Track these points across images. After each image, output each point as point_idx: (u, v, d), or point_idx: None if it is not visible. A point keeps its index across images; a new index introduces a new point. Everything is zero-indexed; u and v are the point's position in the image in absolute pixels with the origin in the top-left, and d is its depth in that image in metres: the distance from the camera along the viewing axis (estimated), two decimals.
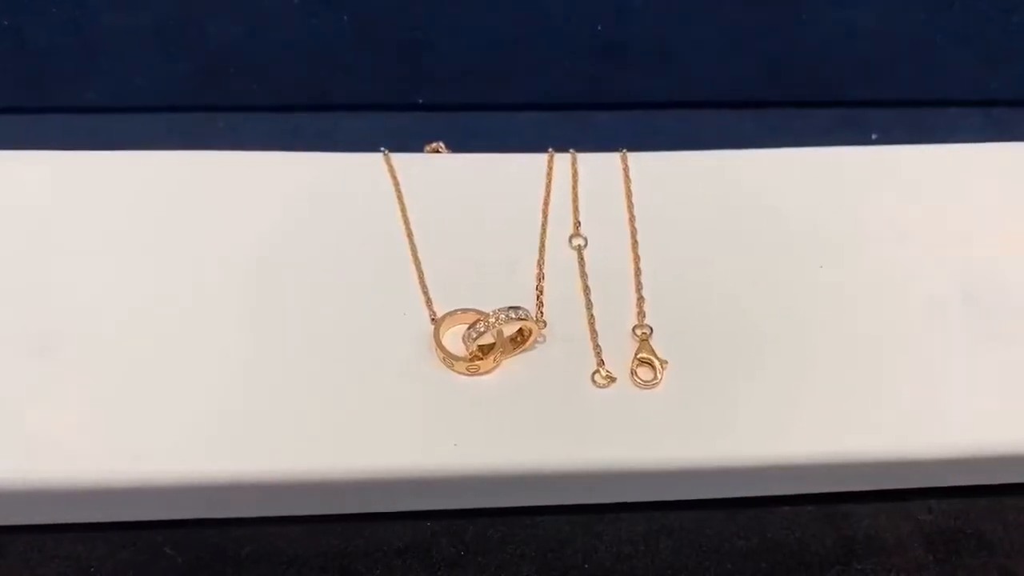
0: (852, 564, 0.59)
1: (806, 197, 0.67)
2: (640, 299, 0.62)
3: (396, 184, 0.67)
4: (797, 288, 0.62)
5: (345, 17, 0.74)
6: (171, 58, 0.75)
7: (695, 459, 0.56)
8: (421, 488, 0.56)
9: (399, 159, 0.69)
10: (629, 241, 0.65)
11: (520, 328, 0.60)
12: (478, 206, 0.67)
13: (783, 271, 0.63)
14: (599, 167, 0.69)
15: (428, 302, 0.62)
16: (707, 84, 0.79)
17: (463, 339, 0.59)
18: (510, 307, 0.59)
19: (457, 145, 0.71)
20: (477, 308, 0.60)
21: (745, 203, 0.67)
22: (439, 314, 0.61)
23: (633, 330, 0.61)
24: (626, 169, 0.69)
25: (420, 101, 0.79)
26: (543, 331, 0.60)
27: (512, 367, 0.59)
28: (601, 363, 0.59)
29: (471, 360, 0.59)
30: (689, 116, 0.78)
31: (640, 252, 0.64)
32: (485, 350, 0.59)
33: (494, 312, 0.59)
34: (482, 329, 0.59)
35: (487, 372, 0.59)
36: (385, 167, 0.68)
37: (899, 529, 0.61)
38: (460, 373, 0.59)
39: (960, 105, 0.79)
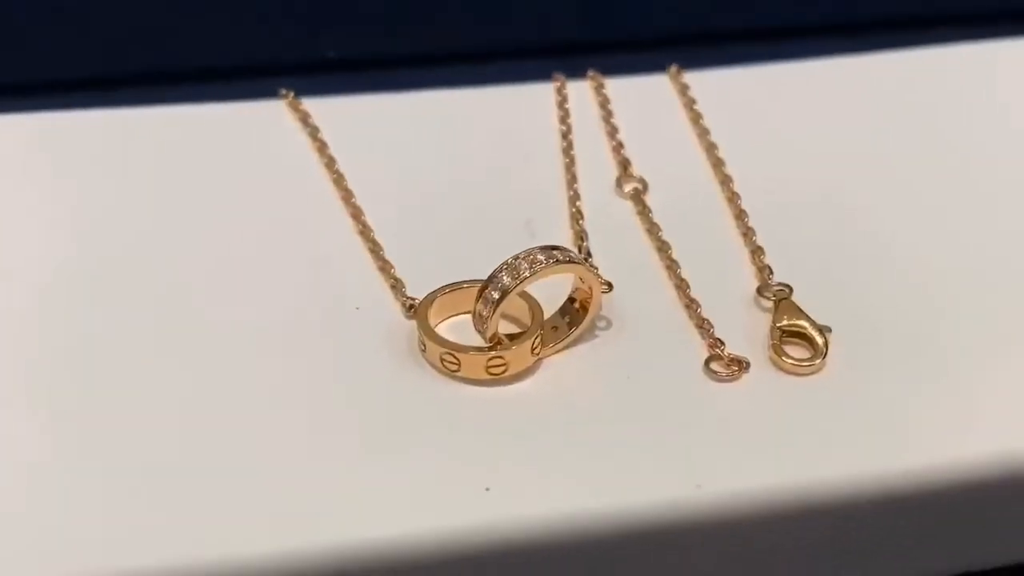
0: None
1: (957, 102, 0.64)
2: (757, 251, 0.53)
3: (315, 135, 0.60)
4: (975, 221, 0.56)
5: None
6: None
7: (916, 480, 0.45)
8: (443, 568, 0.44)
9: (314, 104, 0.61)
10: (714, 179, 0.58)
11: (570, 299, 0.49)
12: (453, 157, 0.60)
13: (950, 201, 0.58)
14: (642, 92, 0.64)
15: (397, 286, 0.51)
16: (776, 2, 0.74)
17: (475, 314, 0.47)
18: (547, 247, 0.47)
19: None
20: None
21: (852, 119, 0.63)
22: (419, 299, 0.50)
23: (759, 292, 0.51)
24: (685, 90, 0.63)
25: (331, 55, 0.71)
26: (604, 304, 0.50)
27: (561, 365, 0.49)
28: (716, 343, 0.48)
29: (491, 351, 0.47)
30: (754, 53, 0.68)
31: (739, 191, 0.56)
32: (512, 340, 0.48)
33: (525, 255, 0.47)
34: (507, 284, 0.46)
35: (520, 372, 0.48)
36: (292, 115, 0.61)
37: None
38: (474, 380, 0.47)
39: None
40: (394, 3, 0.70)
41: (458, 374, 0.47)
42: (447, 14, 0.71)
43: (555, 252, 0.46)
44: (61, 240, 0.54)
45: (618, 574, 0.45)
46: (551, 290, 0.48)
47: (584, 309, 0.48)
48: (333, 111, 0.61)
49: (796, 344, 0.48)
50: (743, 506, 0.43)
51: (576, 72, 0.63)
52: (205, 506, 0.43)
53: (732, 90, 0.64)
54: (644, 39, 0.72)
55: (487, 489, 0.43)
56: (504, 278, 0.46)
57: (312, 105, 0.61)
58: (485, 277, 0.47)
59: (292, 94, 0.61)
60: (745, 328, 0.49)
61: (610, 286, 0.49)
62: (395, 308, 0.50)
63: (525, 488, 0.44)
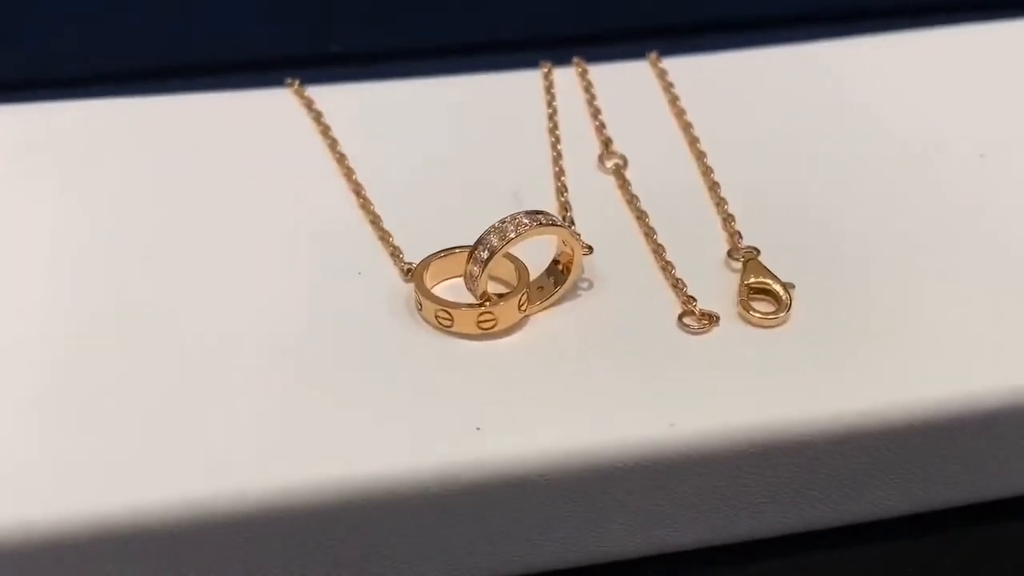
0: None
1: (907, 88, 0.65)
2: (728, 217, 0.55)
3: (319, 119, 0.61)
4: (919, 191, 0.58)
5: None
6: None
7: (875, 419, 0.47)
8: (439, 501, 0.45)
9: (319, 92, 0.63)
10: (690, 153, 0.60)
11: (555, 260, 0.51)
12: (448, 138, 0.61)
13: (895, 174, 0.59)
14: (622, 78, 0.65)
15: (396, 253, 0.53)
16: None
17: (465, 278, 0.49)
18: (532, 211, 0.49)
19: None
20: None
21: (818, 100, 0.64)
22: (415, 264, 0.52)
23: (729, 255, 0.53)
24: (663, 75, 0.65)
25: (336, 49, 0.74)
26: (585, 268, 0.52)
27: (546, 321, 0.51)
28: (689, 300, 0.50)
29: (481, 306, 0.49)
30: (733, 42, 0.69)
31: (712, 163, 0.58)
32: (501, 298, 0.50)
33: (511, 219, 0.49)
34: (495, 244, 0.48)
35: (509, 329, 0.50)
36: (298, 102, 0.62)
37: None
38: (466, 334, 0.49)
39: None
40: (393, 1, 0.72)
41: (452, 329, 0.49)
42: (445, 11, 0.73)
43: (539, 216, 0.49)
44: (77, 218, 0.56)
45: (599, 506, 0.47)
46: (538, 255, 0.50)
47: (567, 270, 0.50)
48: (336, 97, 0.62)
49: (762, 300, 0.50)
50: (712, 443, 0.46)
51: (564, 61, 0.65)
52: (218, 441, 0.45)
53: (707, 75, 0.65)
54: (629, 30, 0.73)
55: (478, 429, 0.45)
56: (492, 239, 0.48)
57: (316, 92, 0.62)
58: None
59: (297, 82, 0.62)
60: (717, 287, 0.51)
61: (591, 249, 0.51)
62: (394, 273, 0.52)
63: (512, 428, 0.46)
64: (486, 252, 0.48)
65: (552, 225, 0.49)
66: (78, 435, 0.45)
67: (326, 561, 0.46)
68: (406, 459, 0.45)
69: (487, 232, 0.49)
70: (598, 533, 0.47)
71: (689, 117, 0.61)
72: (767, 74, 0.65)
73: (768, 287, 0.51)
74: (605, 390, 0.47)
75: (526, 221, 0.48)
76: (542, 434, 0.45)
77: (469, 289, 0.49)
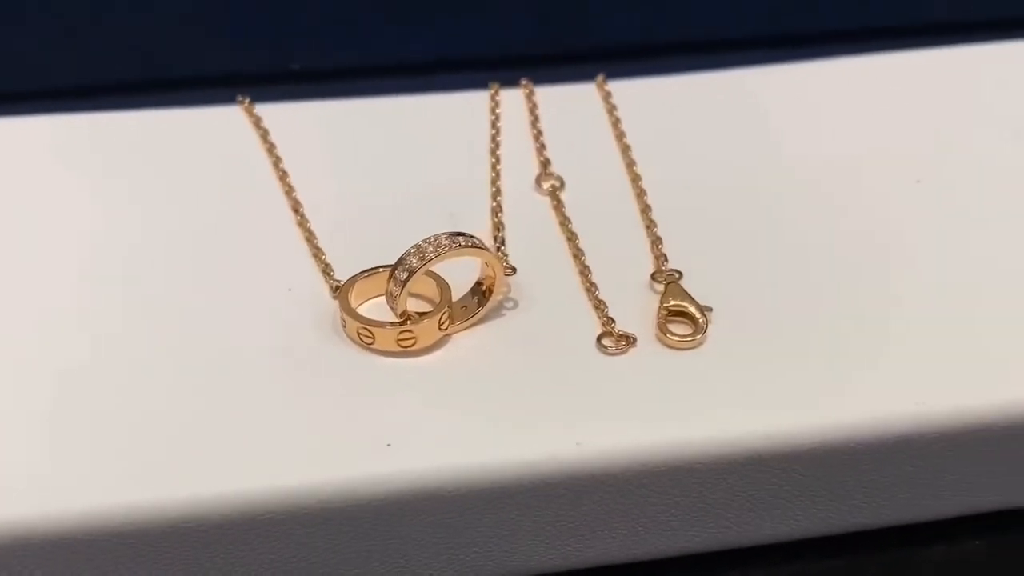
0: None
1: (833, 113, 0.66)
2: (656, 240, 0.56)
3: (265, 136, 0.62)
4: (847, 216, 0.59)
5: None
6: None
7: (779, 440, 0.47)
8: (345, 518, 0.46)
9: (266, 110, 0.64)
10: (626, 177, 0.60)
11: (478, 282, 0.52)
12: (390, 156, 0.62)
13: (823, 200, 0.60)
14: (568, 99, 0.66)
15: (326, 271, 0.54)
16: (702, 20, 0.78)
17: (387, 293, 0.50)
18: (453, 233, 0.50)
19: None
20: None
21: (758, 126, 0.65)
22: (342, 282, 0.53)
23: (653, 277, 0.54)
24: (608, 97, 0.66)
25: (296, 67, 0.74)
26: (511, 287, 0.53)
27: (468, 339, 0.51)
28: (609, 321, 0.51)
29: (402, 325, 0.50)
30: (681, 64, 0.70)
31: (645, 186, 0.59)
32: (423, 316, 0.50)
33: (431, 240, 0.50)
34: (414, 265, 0.49)
35: (430, 347, 0.51)
36: (247, 119, 0.64)
37: None
38: (387, 352, 0.50)
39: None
40: (350, 19, 0.73)
41: (373, 347, 0.49)
42: (403, 28, 0.74)
43: (459, 238, 0.49)
44: (45, 226, 0.57)
45: (507, 521, 0.47)
46: (464, 274, 0.51)
47: (490, 291, 0.51)
48: (284, 115, 0.64)
49: (680, 322, 0.51)
50: (617, 462, 0.46)
51: (517, 82, 0.66)
52: (136, 453, 0.46)
53: (651, 98, 0.66)
54: (584, 52, 0.74)
55: (388, 445, 0.46)
56: (412, 260, 0.49)
57: (265, 110, 0.63)
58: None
59: (248, 100, 0.63)
60: (638, 309, 0.52)
61: (514, 270, 0.52)
62: (325, 290, 0.53)
63: (423, 444, 0.46)
64: (405, 273, 0.49)
65: (472, 247, 0.49)
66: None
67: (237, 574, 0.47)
68: (314, 473, 0.45)
69: (407, 252, 0.49)
70: (509, 548, 0.48)
71: (628, 140, 0.62)
72: (709, 99, 0.66)
73: (685, 310, 0.51)
74: (518, 409, 0.48)
75: (446, 242, 0.49)
76: (450, 451, 0.46)
77: (390, 307, 0.50)
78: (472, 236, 0.50)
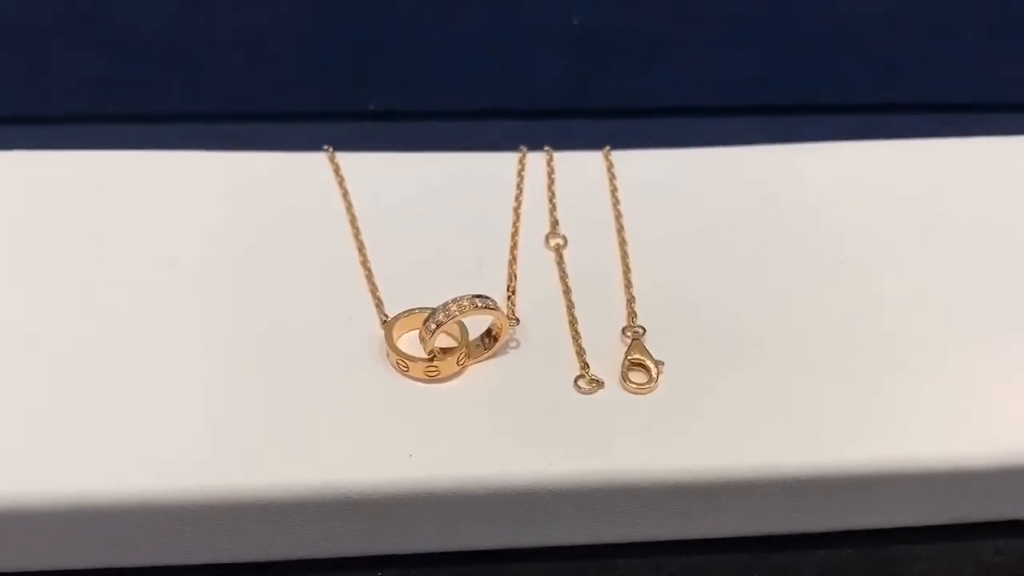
0: None
1: (804, 194, 0.71)
2: (631, 299, 0.63)
3: (342, 183, 0.69)
4: (806, 284, 0.65)
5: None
6: (98, 65, 0.80)
7: (703, 473, 0.56)
8: (374, 512, 0.55)
9: (346, 159, 0.71)
10: (616, 240, 0.67)
11: (489, 327, 0.60)
12: (437, 208, 0.69)
13: (782, 270, 0.65)
14: (579, 166, 0.72)
15: (379, 305, 0.62)
16: (698, 86, 0.82)
17: (420, 337, 0.59)
18: (475, 296, 0.59)
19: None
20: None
21: (740, 201, 0.70)
22: (391, 316, 0.61)
23: (623, 331, 0.61)
24: (611, 167, 0.71)
25: (372, 107, 0.81)
26: (515, 331, 0.61)
27: (480, 372, 0.60)
28: (585, 366, 0.59)
29: (429, 362, 0.59)
30: (682, 124, 0.79)
31: (629, 251, 0.66)
32: (446, 352, 0.59)
33: (455, 300, 0.59)
34: (441, 319, 0.58)
35: (449, 377, 0.59)
36: (330, 167, 0.71)
37: (962, 574, 0.60)
38: (417, 379, 0.59)
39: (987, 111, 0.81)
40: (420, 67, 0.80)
41: (407, 374, 0.59)
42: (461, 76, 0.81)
43: (478, 300, 0.58)
44: (135, 247, 0.64)
45: (497, 521, 0.56)
46: (481, 322, 0.60)
47: (498, 337, 0.60)
48: (359, 165, 0.70)
49: (639, 371, 0.59)
50: (582, 481, 0.55)
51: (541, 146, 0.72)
52: (217, 440, 0.55)
53: (647, 169, 0.71)
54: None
55: (411, 455, 0.55)
56: (440, 315, 0.58)
57: (344, 159, 0.70)
58: (439, 303, 0.59)
59: (332, 148, 0.70)
60: (611, 357, 0.59)
61: (518, 321, 0.61)
62: (375, 321, 0.61)
63: (440, 456, 0.55)
64: (434, 325, 0.58)
65: (487, 308, 0.58)
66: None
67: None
68: (341, 474, 0.54)
69: (438, 309, 0.58)
70: (494, 534, 0.58)
71: (621, 207, 0.68)
72: (699, 172, 0.71)
73: (643, 362, 0.59)
74: (510, 432, 0.56)
75: (466, 304, 0.58)
76: (458, 462, 0.55)
77: (422, 346, 0.59)
78: (488, 298, 0.58)
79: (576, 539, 0.59)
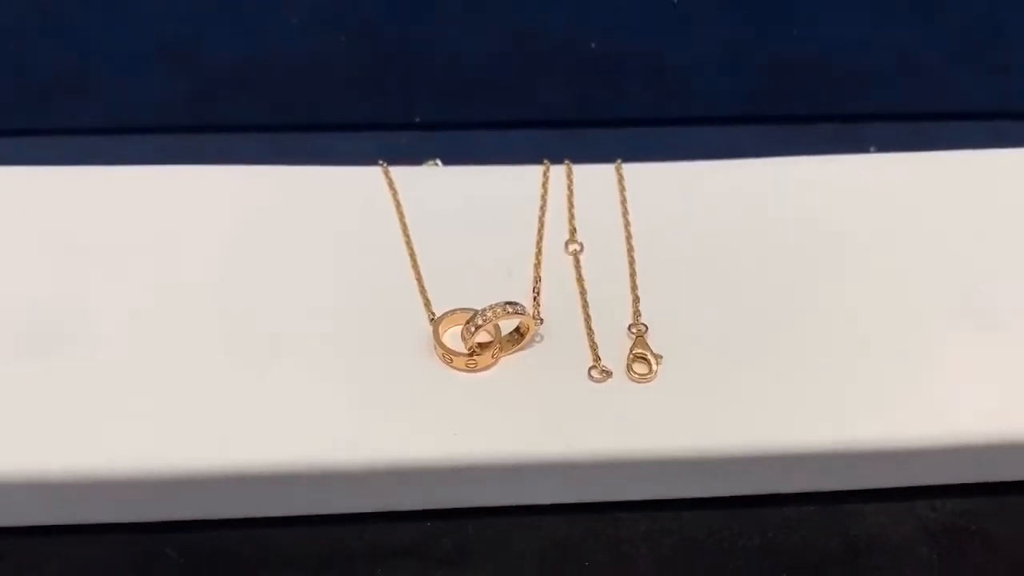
0: (856, 564, 0.64)
1: (803, 206, 0.75)
2: (636, 299, 0.68)
3: (395, 195, 0.74)
4: (793, 287, 0.69)
5: (342, 37, 0.81)
6: (167, 79, 0.83)
7: (691, 449, 0.62)
8: (424, 478, 0.62)
9: (398, 172, 0.76)
10: (625, 247, 0.72)
11: (517, 325, 0.66)
12: (476, 216, 0.74)
13: (778, 272, 0.70)
14: (594, 178, 0.77)
15: (427, 304, 0.68)
16: (702, 99, 0.86)
17: (461, 335, 0.65)
18: (506, 302, 0.65)
19: (453, 163, 0.79)
20: (474, 308, 0.66)
21: (739, 211, 0.74)
22: (438, 315, 0.67)
23: (629, 328, 0.67)
24: (621, 179, 0.76)
25: (417, 120, 0.85)
26: (539, 329, 0.67)
27: (510, 363, 0.66)
28: (597, 359, 0.65)
29: (470, 356, 0.65)
30: (685, 133, 0.84)
31: (636, 256, 0.71)
32: (483, 347, 0.65)
33: (491, 307, 0.65)
34: (480, 323, 0.65)
35: (486, 368, 0.65)
36: (384, 180, 0.76)
37: (903, 528, 0.66)
38: (460, 369, 0.65)
39: (961, 118, 0.85)
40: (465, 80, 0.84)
41: (452, 365, 0.65)
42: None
43: (508, 307, 0.64)
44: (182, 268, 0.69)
45: (523, 483, 0.62)
46: (513, 321, 0.65)
47: (526, 333, 0.65)
48: (409, 178, 0.75)
49: (642, 363, 0.64)
50: (595, 459, 0.60)
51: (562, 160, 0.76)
52: (279, 418, 0.61)
53: (652, 181, 0.75)
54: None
55: (455, 434, 0.61)
56: (479, 319, 0.64)
57: (396, 172, 0.75)
58: (479, 304, 0.65)
59: (386, 163, 0.74)
60: (620, 350, 0.65)
61: (542, 320, 0.66)
62: (425, 318, 0.67)
63: (478, 434, 0.61)
64: (473, 327, 0.64)
65: (516, 314, 0.64)
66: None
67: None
68: (401, 450, 0.60)
69: (477, 312, 0.64)
70: (521, 493, 0.64)
71: (629, 216, 0.73)
72: (705, 184, 0.75)
73: (644, 355, 0.64)
74: (535, 415, 0.62)
75: (499, 310, 0.64)
76: (495, 443, 0.61)
77: (463, 342, 0.65)
78: (518, 304, 0.64)
79: (585, 497, 0.65)
